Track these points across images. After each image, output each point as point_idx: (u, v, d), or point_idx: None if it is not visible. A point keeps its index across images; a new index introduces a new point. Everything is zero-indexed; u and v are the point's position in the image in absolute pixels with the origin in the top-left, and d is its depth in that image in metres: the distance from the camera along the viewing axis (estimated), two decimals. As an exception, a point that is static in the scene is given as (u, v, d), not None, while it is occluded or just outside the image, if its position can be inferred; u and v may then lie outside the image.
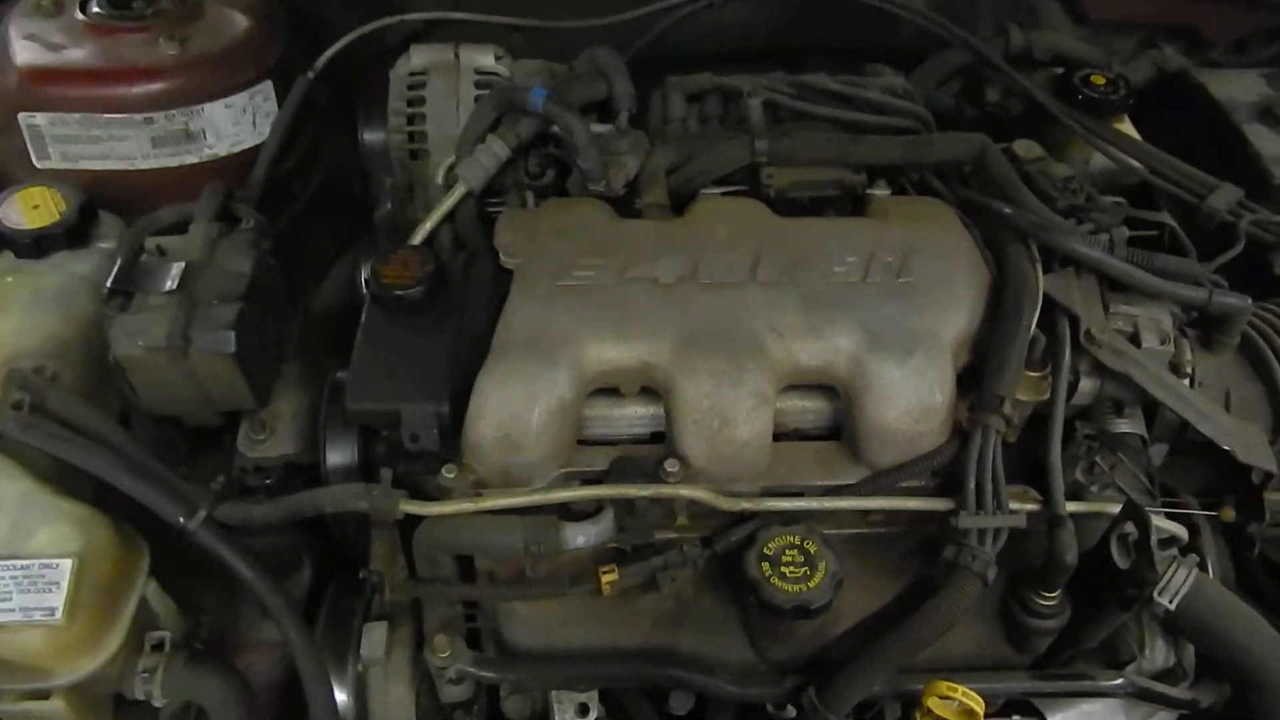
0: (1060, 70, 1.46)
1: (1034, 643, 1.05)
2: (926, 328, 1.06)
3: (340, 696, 1.08)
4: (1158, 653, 1.09)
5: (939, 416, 1.03)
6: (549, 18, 1.51)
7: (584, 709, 1.07)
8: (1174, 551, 1.03)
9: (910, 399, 1.02)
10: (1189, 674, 1.09)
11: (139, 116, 1.23)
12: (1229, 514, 1.16)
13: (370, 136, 1.38)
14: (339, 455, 1.11)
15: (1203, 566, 1.08)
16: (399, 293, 1.06)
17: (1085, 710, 1.11)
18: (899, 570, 1.08)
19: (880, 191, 1.27)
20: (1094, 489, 1.08)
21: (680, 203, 1.23)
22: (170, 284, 1.04)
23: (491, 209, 1.24)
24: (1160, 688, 1.06)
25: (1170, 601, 0.99)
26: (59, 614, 0.88)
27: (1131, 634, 1.09)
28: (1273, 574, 1.34)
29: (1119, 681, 1.06)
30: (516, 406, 0.99)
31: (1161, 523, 1.03)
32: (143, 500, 0.96)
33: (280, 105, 1.33)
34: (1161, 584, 0.99)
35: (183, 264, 1.06)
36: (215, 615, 1.18)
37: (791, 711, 1.02)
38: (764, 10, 1.58)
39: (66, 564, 0.90)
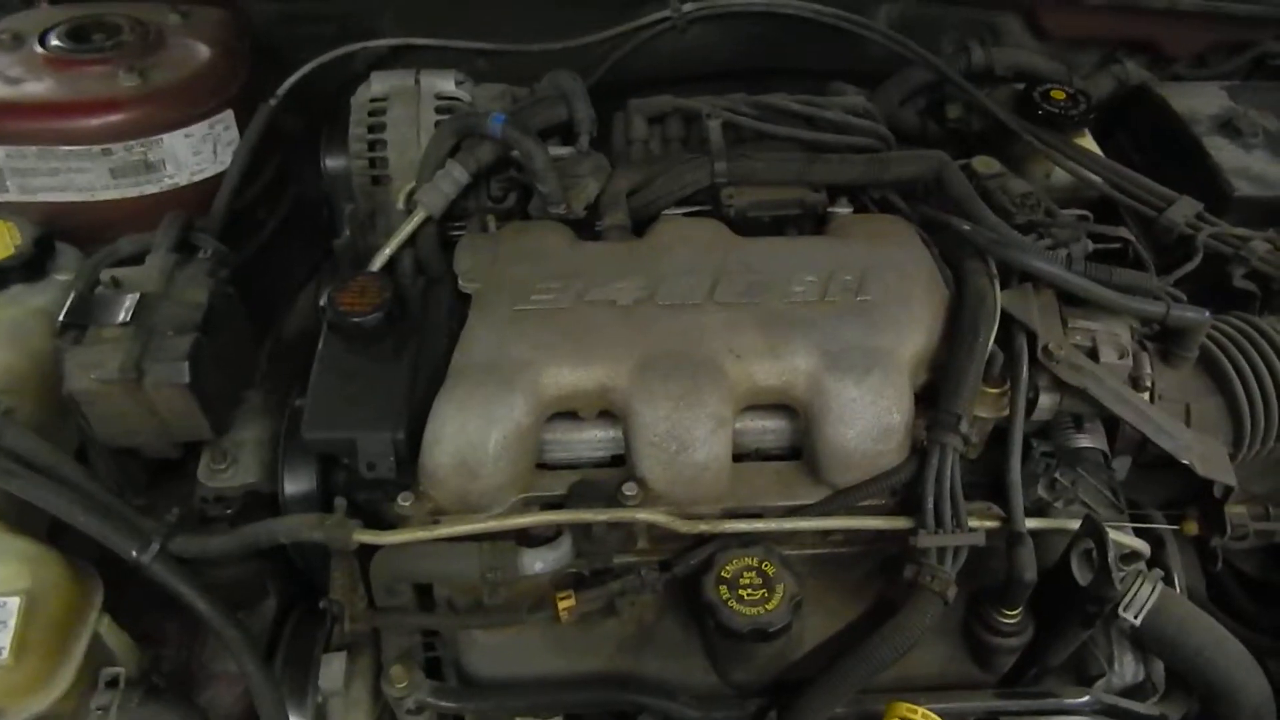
0: (1021, 86, 1.47)
1: (998, 661, 1.05)
2: (884, 347, 1.06)
3: (302, 728, 1.07)
4: (1126, 668, 1.09)
5: (897, 436, 1.03)
6: (513, 42, 1.52)
7: (549, 736, 1.06)
8: (1140, 566, 1.03)
9: (868, 418, 1.02)
10: (1159, 688, 1.09)
11: (97, 148, 1.23)
12: (1192, 527, 1.16)
13: (332, 163, 1.38)
14: (298, 484, 1.10)
15: (1168, 580, 1.08)
16: (356, 320, 1.06)
17: (1055, 728, 1.10)
18: (861, 591, 1.07)
19: (842, 210, 1.27)
20: (1058, 505, 1.08)
21: (642, 224, 1.23)
22: (124, 316, 1.04)
23: (454, 233, 1.25)
24: (1127, 704, 1.06)
25: (1135, 616, 0.99)
26: (5, 653, 0.87)
27: (1101, 649, 1.08)
28: (1245, 586, 1.34)
29: (1085, 699, 1.05)
30: (473, 433, 0.99)
31: (1122, 538, 1.03)
32: (95, 535, 0.95)
33: (242, 134, 1.33)
34: (1126, 599, 0.99)
35: (136, 295, 1.06)
36: (178, 647, 1.16)
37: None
38: (728, 33, 1.59)
39: (14, 602, 0.89)
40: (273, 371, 1.33)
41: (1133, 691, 1.08)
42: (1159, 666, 1.08)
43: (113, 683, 0.98)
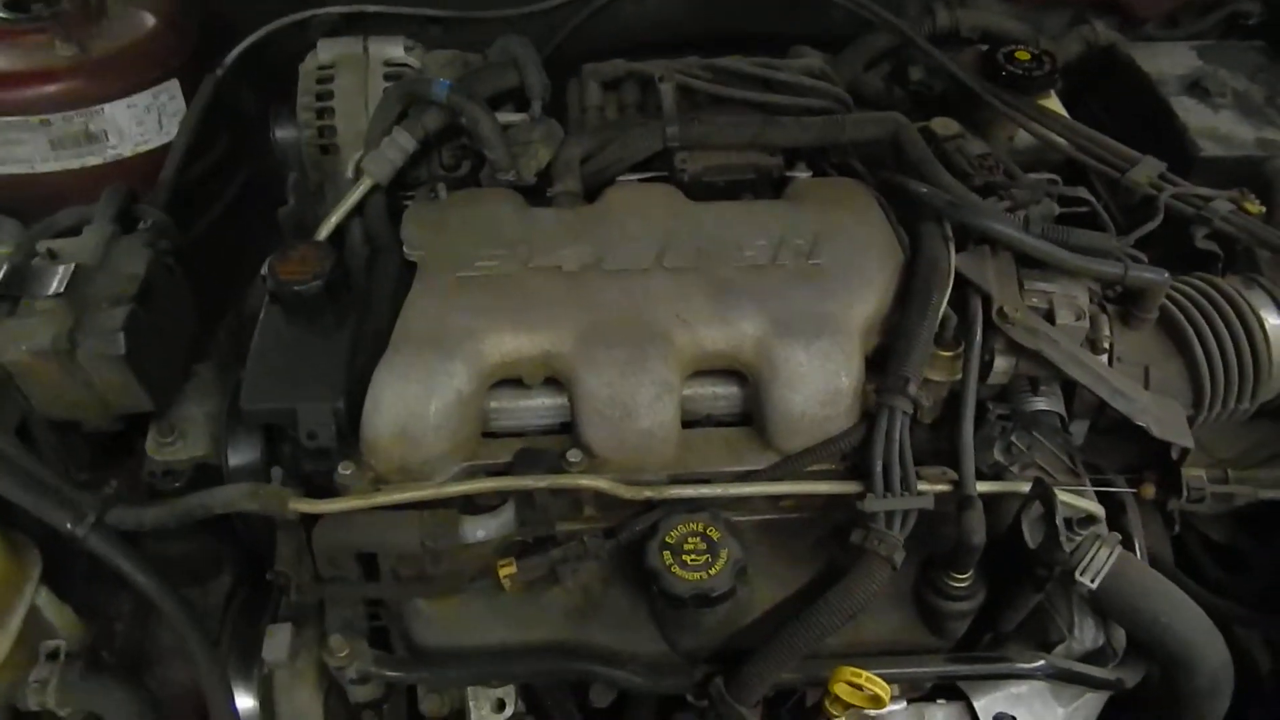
0: (986, 48, 1.44)
1: (950, 626, 1.03)
2: (834, 311, 1.04)
3: (248, 701, 1.06)
4: (1086, 633, 1.08)
5: (846, 400, 1.01)
6: (467, 8, 1.49)
7: (500, 704, 1.05)
8: (1097, 530, 1.02)
9: (816, 383, 1.00)
10: (1119, 654, 1.08)
11: (35, 119, 1.21)
12: (1149, 490, 1.14)
13: (282, 134, 1.36)
14: (242, 456, 1.08)
15: (1128, 545, 1.07)
16: (296, 289, 1.04)
17: (1013, 693, 1.09)
18: (812, 557, 1.06)
19: (800, 174, 1.25)
20: (1014, 469, 1.06)
21: (597, 191, 1.21)
22: (58, 287, 1.02)
23: (407, 202, 1.22)
24: (1082, 668, 1.05)
25: (1092, 581, 0.98)
26: (-66, 627, 0.86)
27: (1061, 615, 1.07)
28: (1213, 553, 1.32)
29: (1039, 664, 1.04)
30: (412, 401, 0.97)
31: (1075, 501, 1.01)
32: (29, 508, 0.94)
33: (189, 105, 1.31)
34: (1083, 563, 0.97)
35: (71, 267, 1.04)
36: (131, 622, 1.16)
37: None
38: (689, -1, 1.57)
39: (-58, 575, 0.88)
40: (233, 345, 1.31)
41: (1093, 657, 1.07)
42: (1119, 632, 1.07)
43: (53, 655, 0.97)
